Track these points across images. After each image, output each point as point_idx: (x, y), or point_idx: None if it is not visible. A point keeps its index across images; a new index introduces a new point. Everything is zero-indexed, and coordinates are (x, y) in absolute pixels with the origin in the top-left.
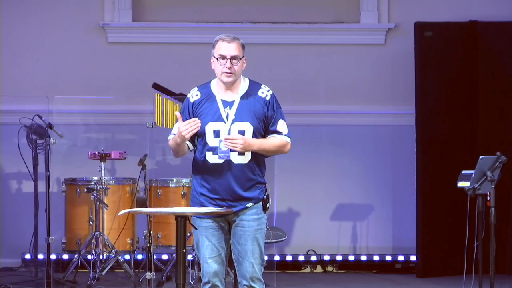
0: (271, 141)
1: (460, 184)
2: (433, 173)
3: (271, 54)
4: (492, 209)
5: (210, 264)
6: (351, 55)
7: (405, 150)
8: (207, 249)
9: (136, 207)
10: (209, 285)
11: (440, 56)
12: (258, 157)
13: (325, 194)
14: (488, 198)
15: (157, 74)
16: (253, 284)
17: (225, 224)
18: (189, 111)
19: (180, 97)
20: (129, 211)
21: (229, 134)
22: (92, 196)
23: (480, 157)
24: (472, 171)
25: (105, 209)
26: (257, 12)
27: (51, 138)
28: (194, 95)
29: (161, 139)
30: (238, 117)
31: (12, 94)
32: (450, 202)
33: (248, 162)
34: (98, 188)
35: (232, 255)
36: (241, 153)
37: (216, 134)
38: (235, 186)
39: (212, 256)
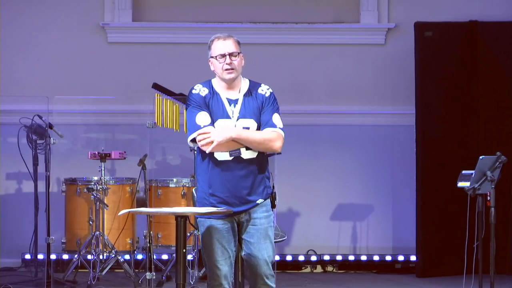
0: (256, 132)
1: (460, 184)
2: (433, 173)
3: (271, 54)
4: (492, 209)
5: (220, 267)
6: (351, 55)
7: (405, 150)
8: (217, 251)
9: (136, 207)
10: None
11: (440, 56)
12: (262, 153)
13: (325, 194)
14: (488, 198)
15: (157, 74)
16: (268, 282)
17: (235, 224)
18: (206, 104)
19: (180, 97)
20: (129, 211)
21: None
22: (92, 196)
23: (480, 157)
24: (472, 171)
25: (105, 209)
26: (257, 12)
27: (51, 138)
28: (202, 90)
29: (161, 139)
30: (242, 115)
31: (12, 94)
32: (450, 202)
33: (257, 155)
34: (98, 188)
35: (243, 254)
36: (249, 148)
37: None
38: (245, 182)
39: (223, 259)
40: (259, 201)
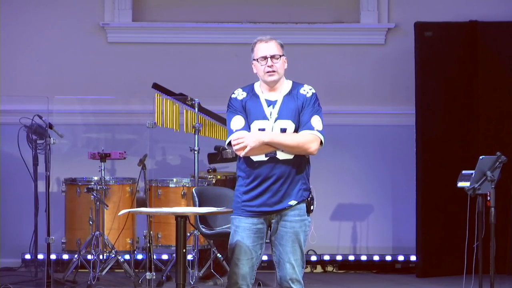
0: (290, 135)
1: (460, 184)
2: (433, 173)
3: None
4: (492, 209)
5: (240, 266)
6: (351, 55)
7: (405, 150)
8: (240, 250)
9: (136, 207)
10: (235, 287)
11: (440, 56)
12: (302, 155)
13: (325, 194)
14: (488, 198)
15: (157, 74)
16: (292, 285)
17: (266, 226)
18: (243, 108)
19: (180, 97)
20: (129, 211)
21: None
22: (92, 196)
23: (480, 157)
24: (472, 171)
25: (105, 209)
26: (257, 12)
27: (51, 138)
28: (240, 94)
29: (161, 139)
30: (280, 116)
31: (12, 94)
32: (450, 202)
33: (294, 157)
34: (98, 188)
35: (273, 255)
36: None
37: None
38: (279, 183)
39: (244, 258)
40: (292, 202)
